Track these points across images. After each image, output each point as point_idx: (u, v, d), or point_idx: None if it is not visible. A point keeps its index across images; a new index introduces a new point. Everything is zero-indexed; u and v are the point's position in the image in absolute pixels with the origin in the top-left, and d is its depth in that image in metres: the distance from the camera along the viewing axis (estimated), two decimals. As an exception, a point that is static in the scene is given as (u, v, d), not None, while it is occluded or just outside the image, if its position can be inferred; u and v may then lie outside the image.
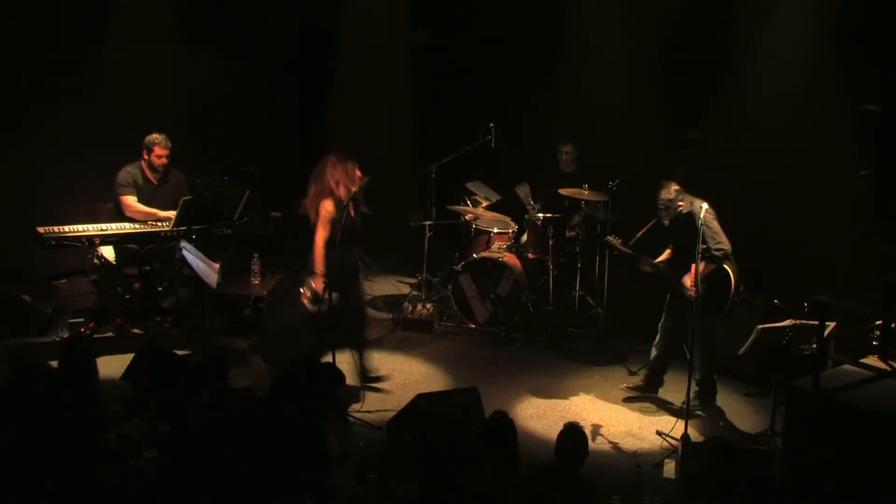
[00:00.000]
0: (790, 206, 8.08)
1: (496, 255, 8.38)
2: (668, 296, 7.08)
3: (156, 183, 7.90)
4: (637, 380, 7.33)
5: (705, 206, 6.52)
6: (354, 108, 10.10)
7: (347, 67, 10.08)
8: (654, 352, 7.18)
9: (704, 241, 6.54)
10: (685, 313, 6.83)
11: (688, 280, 6.79)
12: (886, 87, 6.13)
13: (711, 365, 7.00)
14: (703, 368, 6.92)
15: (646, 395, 7.18)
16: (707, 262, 6.68)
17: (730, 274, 6.75)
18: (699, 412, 6.93)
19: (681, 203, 6.88)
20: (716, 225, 6.73)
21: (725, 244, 6.73)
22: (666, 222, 7.00)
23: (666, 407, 7.06)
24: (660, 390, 7.21)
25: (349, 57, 10.03)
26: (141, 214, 7.77)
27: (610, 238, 7.38)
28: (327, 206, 6.70)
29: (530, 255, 8.49)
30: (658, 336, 7.16)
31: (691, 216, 6.76)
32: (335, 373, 5.69)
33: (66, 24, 8.47)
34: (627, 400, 7.20)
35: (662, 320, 7.14)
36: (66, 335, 7.38)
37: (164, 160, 7.83)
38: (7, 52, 8.27)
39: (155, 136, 7.81)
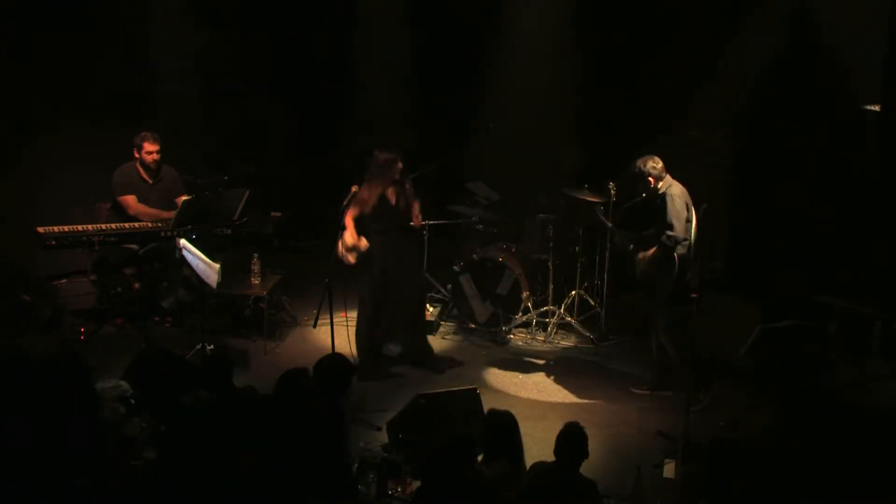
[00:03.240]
0: (790, 206, 8.08)
1: (496, 255, 8.37)
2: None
3: (150, 181, 7.90)
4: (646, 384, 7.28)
5: (677, 190, 6.46)
6: (354, 107, 10.10)
7: (347, 66, 10.08)
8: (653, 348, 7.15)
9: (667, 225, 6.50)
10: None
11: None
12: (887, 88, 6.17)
13: (683, 353, 6.79)
14: (675, 357, 6.84)
15: (657, 394, 7.15)
16: (658, 247, 6.62)
17: (675, 262, 6.60)
18: (701, 410, 6.91)
19: (661, 183, 6.70)
20: (679, 212, 6.56)
21: (681, 234, 6.56)
22: (643, 195, 6.81)
23: (666, 407, 7.05)
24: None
25: (349, 56, 10.03)
26: (145, 215, 7.76)
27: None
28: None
29: (530, 255, 8.50)
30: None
31: (664, 197, 6.63)
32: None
33: (65, 24, 8.47)
34: (628, 399, 7.18)
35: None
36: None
37: (154, 156, 7.82)
38: (7, 52, 8.28)
39: (144, 133, 7.81)
